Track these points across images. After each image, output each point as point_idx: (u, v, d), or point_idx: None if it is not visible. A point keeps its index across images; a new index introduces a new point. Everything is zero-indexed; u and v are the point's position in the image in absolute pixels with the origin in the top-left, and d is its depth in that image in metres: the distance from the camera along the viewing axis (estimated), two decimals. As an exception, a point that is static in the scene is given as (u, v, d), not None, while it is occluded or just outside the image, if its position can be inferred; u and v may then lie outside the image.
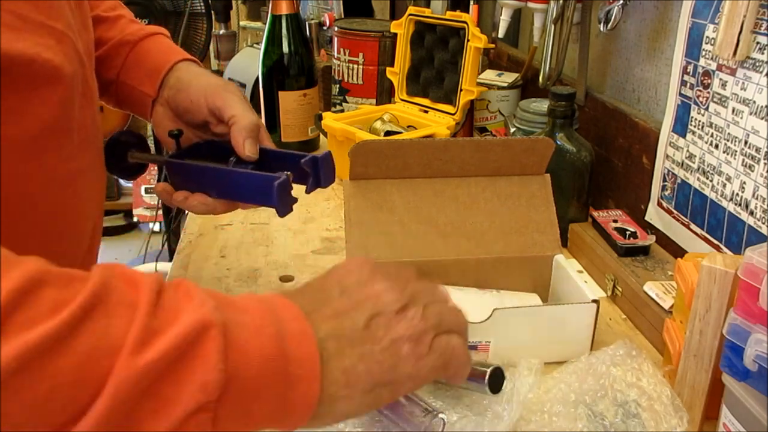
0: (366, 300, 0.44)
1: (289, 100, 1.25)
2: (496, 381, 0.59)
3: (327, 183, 0.67)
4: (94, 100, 0.64)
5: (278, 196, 0.61)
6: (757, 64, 0.69)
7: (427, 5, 1.60)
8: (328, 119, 1.16)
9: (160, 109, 0.71)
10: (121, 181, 3.25)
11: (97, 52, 0.70)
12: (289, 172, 0.63)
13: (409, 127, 1.19)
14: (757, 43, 0.69)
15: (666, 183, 0.87)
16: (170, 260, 1.73)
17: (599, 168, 1.01)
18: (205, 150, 0.71)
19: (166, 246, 2.24)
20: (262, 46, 1.26)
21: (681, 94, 0.83)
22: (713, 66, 0.76)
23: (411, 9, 1.20)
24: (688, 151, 0.82)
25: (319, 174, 0.66)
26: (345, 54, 1.32)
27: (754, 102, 0.70)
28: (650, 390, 0.59)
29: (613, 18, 0.93)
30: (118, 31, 0.73)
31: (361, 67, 1.31)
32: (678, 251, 0.83)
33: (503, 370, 0.59)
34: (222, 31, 2.38)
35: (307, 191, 0.67)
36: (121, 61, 0.72)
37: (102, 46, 0.72)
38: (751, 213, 0.71)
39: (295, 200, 0.63)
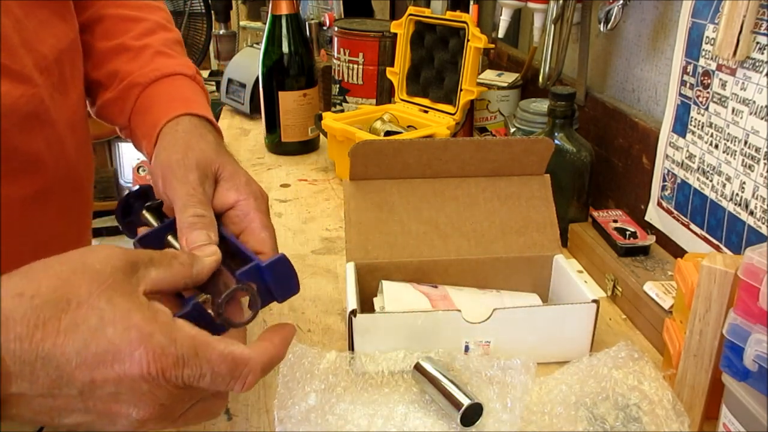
0: (102, 416, 0.38)
1: (289, 100, 1.25)
2: (470, 416, 0.59)
3: (284, 296, 0.49)
4: (56, 119, 0.58)
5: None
6: (757, 64, 0.69)
7: (427, 5, 1.60)
8: (328, 119, 1.16)
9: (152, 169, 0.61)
10: (121, 181, 3.26)
11: (112, 90, 0.65)
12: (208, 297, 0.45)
13: (409, 127, 1.19)
14: (757, 43, 0.69)
15: (666, 183, 0.87)
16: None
17: (599, 168, 1.01)
18: None
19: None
20: (262, 46, 1.26)
21: (681, 94, 0.83)
22: (713, 66, 0.76)
23: (411, 9, 1.20)
24: (688, 151, 0.82)
25: (268, 286, 0.48)
26: (345, 54, 1.32)
27: (754, 102, 0.70)
28: (651, 394, 0.59)
29: (613, 18, 0.93)
30: (137, 67, 0.66)
31: (361, 67, 1.31)
32: (678, 251, 0.83)
33: (482, 407, 0.59)
34: (222, 31, 2.38)
35: (252, 307, 0.46)
36: (131, 106, 0.65)
37: (119, 81, 0.66)
38: (751, 213, 0.71)
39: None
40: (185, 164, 0.54)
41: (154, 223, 0.55)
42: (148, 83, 0.64)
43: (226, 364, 0.39)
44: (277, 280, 0.48)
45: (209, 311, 0.44)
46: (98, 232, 3.28)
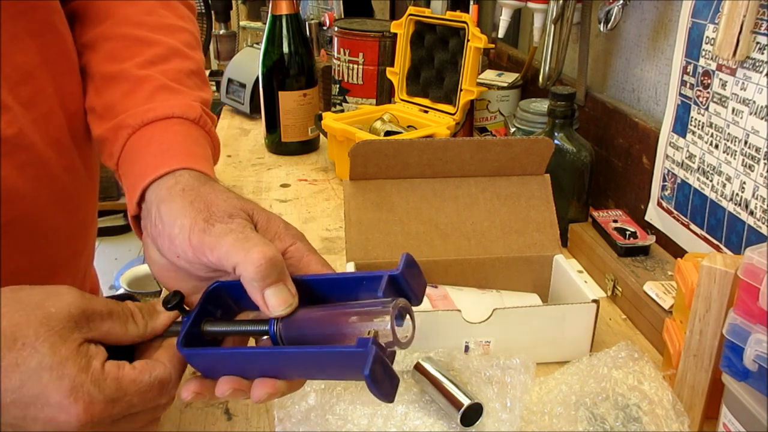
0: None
1: (289, 100, 1.25)
2: (470, 416, 0.59)
3: (420, 298, 0.44)
4: (35, 141, 0.53)
5: (376, 381, 0.37)
6: (757, 64, 0.69)
7: (427, 5, 1.60)
8: (328, 119, 1.16)
9: (148, 240, 0.49)
10: (121, 181, 3.25)
11: (105, 125, 0.56)
12: (374, 329, 0.39)
13: (409, 127, 1.19)
14: (757, 43, 0.69)
15: (666, 183, 0.87)
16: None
17: (599, 168, 1.01)
18: (223, 300, 0.47)
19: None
20: (262, 46, 1.26)
21: (681, 94, 0.83)
22: (713, 66, 0.76)
23: (411, 9, 1.20)
24: (688, 151, 0.82)
25: (405, 291, 0.42)
26: (345, 54, 1.32)
27: (754, 102, 0.70)
28: (651, 394, 0.59)
29: (613, 18, 0.93)
30: (133, 104, 0.56)
31: (361, 67, 1.31)
32: (678, 251, 0.83)
33: (482, 407, 0.59)
34: (222, 31, 2.38)
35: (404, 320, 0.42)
36: (119, 151, 0.55)
37: (112, 116, 0.56)
38: (751, 213, 0.71)
39: (397, 379, 0.40)
40: (218, 218, 0.45)
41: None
42: (138, 126, 0.54)
43: (154, 390, 0.41)
44: (413, 281, 0.43)
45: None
46: (98, 232, 3.28)
